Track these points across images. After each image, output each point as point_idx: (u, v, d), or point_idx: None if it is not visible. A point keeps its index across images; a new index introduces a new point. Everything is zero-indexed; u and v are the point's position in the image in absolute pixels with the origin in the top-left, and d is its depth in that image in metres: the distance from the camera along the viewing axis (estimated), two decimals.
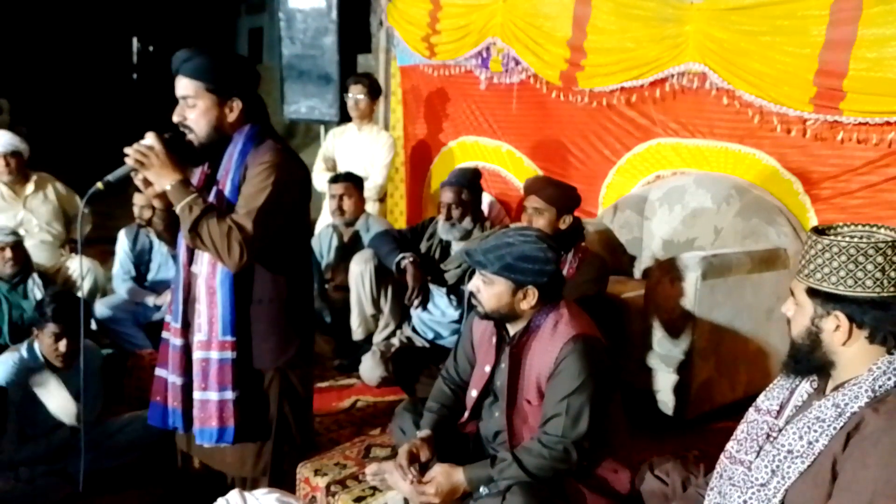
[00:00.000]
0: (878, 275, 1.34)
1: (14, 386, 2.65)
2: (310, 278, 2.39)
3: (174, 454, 2.68)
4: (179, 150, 2.05)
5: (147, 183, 2.05)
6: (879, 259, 1.34)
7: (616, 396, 1.99)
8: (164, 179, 2.00)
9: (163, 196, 2.07)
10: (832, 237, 1.40)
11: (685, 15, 3.37)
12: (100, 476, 2.69)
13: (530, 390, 1.93)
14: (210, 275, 2.11)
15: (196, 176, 2.21)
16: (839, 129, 2.98)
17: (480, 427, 2.10)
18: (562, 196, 2.73)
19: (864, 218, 2.90)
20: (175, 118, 2.08)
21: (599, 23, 3.71)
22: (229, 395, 2.13)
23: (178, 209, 2.00)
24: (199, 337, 2.14)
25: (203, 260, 2.13)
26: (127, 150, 2.00)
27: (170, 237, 2.30)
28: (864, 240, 1.36)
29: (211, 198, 2.10)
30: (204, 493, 2.51)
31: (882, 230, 1.42)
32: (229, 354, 2.12)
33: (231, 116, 2.08)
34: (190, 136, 2.08)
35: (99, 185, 1.96)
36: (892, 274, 1.34)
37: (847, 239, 1.37)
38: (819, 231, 1.44)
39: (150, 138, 2.01)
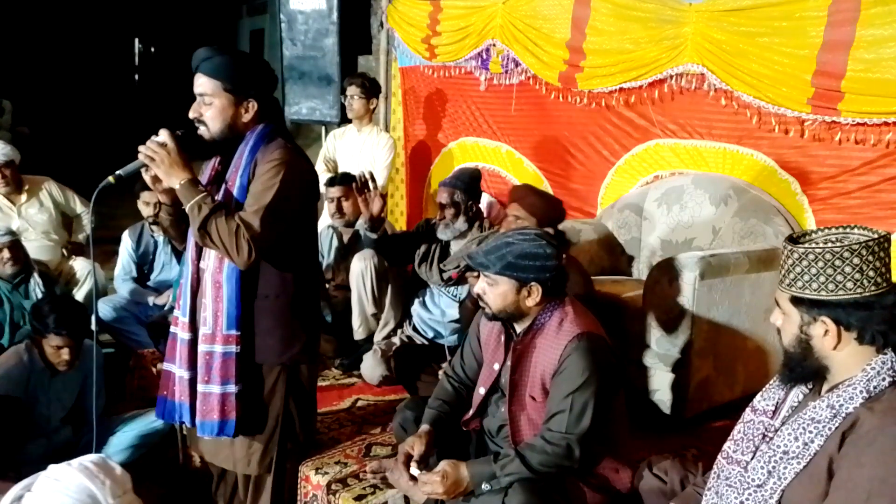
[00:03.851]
0: (857, 276, 1.35)
1: (16, 388, 2.66)
2: (316, 276, 2.41)
3: (176, 452, 2.70)
4: (191, 147, 2.08)
5: (156, 179, 2.07)
6: (856, 260, 1.35)
7: (619, 395, 2.01)
8: (173, 178, 2.02)
9: (170, 192, 2.10)
10: (807, 244, 1.40)
11: (684, 16, 3.37)
12: None
13: (535, 387, 1.95)
14: (216, 270, 2.13)
15: (206, 173, 2.23)
16: (837, 130, 2.99)
17: (484, 422, 2.11)
18: (544, 207, 2.69)
19: (862, 218, 2.91)
20: (191, 114, 2.11)
21: (598, 24, 3.72)
22: (232, 388, 2.15)
23: (187, 208, 2.02)
24: (204, 330, 2.16)
25: (210, 255, 2.15)
26: (140, 147, 2.03)
27: (176, 233, 2.32)
28: (839, 243, 1.37)
29: (220, 195, 2.12)
30: (206, 490, 2.54)
31: (856, 231, 1.43)
32: (233, 348, 2.14)
33: (246, 116, 2.11)
34: (203, 132, 2.10)
35: (110, 178, 1.99)
36: (871, 273, 1.35)
37: (821, 244, 1.38)
38: (793, 240, 1.45)
39: (163, 135, 2.03)
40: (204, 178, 2.21)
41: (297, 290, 2.22)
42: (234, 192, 2.10)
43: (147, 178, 2.08)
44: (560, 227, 2.85)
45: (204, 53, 2.08)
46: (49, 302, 2.75)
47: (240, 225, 1.99)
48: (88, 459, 1.24)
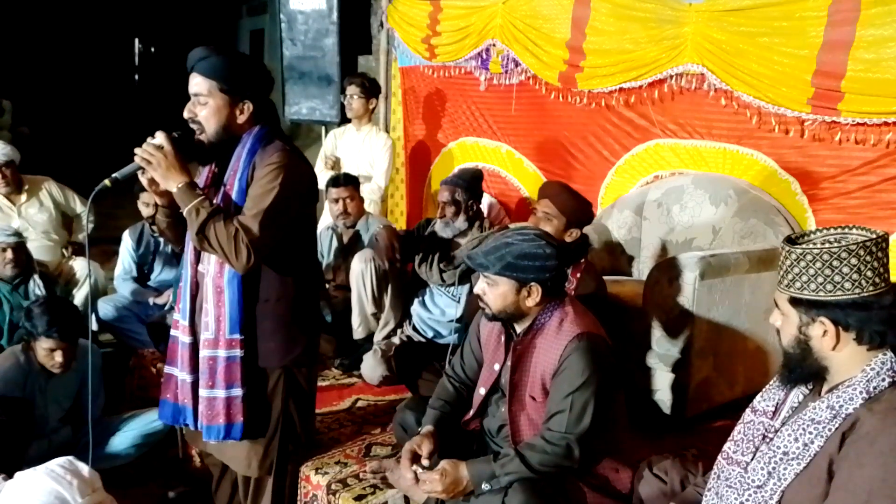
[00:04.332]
0: (855, 276, 1.35)
1: (13, 389, 2.65)
2: (316, 278, 2.39)
3: (176, 452, 2.70)
4: (188, 149, 2.06)
5: (153, 182, 2.05)
6: (853, 261, 1.35)
7: (619, 396, 2.01)
8: (171, 181, 2.00)
9: (167, 194, 2.09)
10: (805, 245, 1.41)
11: (684, 16, 3.37)
12: (101, 475, 2.70)
13: (535, 387, 1.95)
14: (217, 274, 2.12)
15: (203, 175, 2.22)
16: (837, 130, 2.99)
17: (485, 422, 2.12)
18: (575, 207, 2.60)
19: (862, 218, 2.91)
20: (186, 114, 2.09)
21: (598, 24, 3.72)
22: (237, 391, 2.13)
23: (185, 212, 2.00)
24: (206, 335, 2.15)
25: (210, 259, 2.13)
26: (137, 149, 2.01)
27: (173, 235, 2.30)
28: (836, 244, 1.37)
29: (218, 198, 2.10)
30: (206, 491, 2.54)
31: (853, 231, 1.43)
32: (237, 352, 2.13)
33: (241, 118, 2.09)
34: (199, 135, 2.08)
35: (106, 181, 1.97)
36: (869, 274, 1.35)
37: (819, 245, 1.39)
38: (791, 241, 1.45)
39: (159, 137, 2.01)
40: (201, 180, 2.19)
41: (298, 293, 2.21)
42: (233, 195, 2.09)
43: (144, 180, 2.06)
44: None
45: (199, 53, 2.06)
46: (41, 304, 2.70)
47: (238, 229, 1.97)
48: (55, 463, 1.24)
